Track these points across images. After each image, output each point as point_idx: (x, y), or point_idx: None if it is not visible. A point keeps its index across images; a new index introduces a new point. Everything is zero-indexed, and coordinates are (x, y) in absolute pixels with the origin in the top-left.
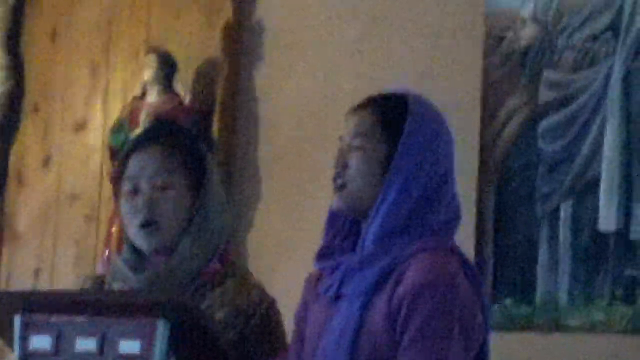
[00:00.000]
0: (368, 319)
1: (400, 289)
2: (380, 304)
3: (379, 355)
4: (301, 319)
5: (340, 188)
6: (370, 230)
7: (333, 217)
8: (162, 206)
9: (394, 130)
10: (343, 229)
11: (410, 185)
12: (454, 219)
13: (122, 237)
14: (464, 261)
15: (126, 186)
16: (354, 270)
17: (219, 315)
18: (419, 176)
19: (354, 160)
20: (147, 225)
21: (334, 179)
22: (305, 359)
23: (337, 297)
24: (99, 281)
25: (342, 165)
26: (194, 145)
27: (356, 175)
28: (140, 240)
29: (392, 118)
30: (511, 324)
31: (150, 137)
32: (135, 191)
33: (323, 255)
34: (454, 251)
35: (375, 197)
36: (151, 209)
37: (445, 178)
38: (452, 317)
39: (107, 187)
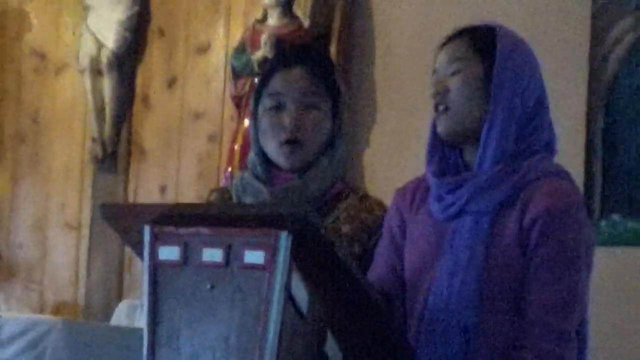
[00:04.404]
0: (498, 236)
1: (533, 210)
2: (509, 222)
3: (511, 270)
4: (396, 228)
5: (444, 111)
6: (488, 152)
7: (434, 146)
8: (306, 125)
9: (487, 54)
10: (444, 157)
11: (513, 105)
12: (554, 141)
13: (249, 152)
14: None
15: (269, 101)
16: (481, 189)
17: (345, 229)
18: (518, 96)
19: (454, 83)
20: (292, 142)
21: (436, 106)
22: (412, 271)
23: (457, 214)
24: (224, 193)
25: (443, 91)
26: (331, 69)
27: (459, 96)
28: (281, 155)
29: (484, 43)
30: (619, 239)
31: (294, 57)
32: (279, 107)
33: (438, 174)
34: (569, 175)
35: (478, 118)
36: (297, 127)
37: (542, 101)
38: (581, 241)
39: (229, 107)
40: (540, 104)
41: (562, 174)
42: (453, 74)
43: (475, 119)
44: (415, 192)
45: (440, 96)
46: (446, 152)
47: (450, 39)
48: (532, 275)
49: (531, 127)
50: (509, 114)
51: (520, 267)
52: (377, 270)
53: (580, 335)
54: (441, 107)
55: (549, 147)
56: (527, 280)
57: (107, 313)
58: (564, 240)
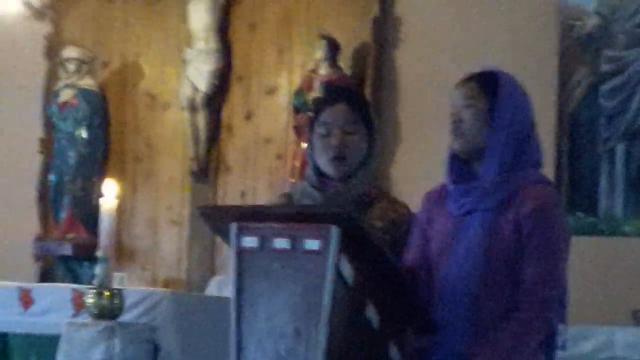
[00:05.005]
0: (499, 228)
1: (525, 209)
2: (508, 217)
3: (508, 252)
4: (424, 222)
5: (459, 136)
6: (491, 166)
7: (452, 161)
8: (348, 146)
9: (492, 93)
10: (459, 169)
11: (510, 131)
12: (541, 157)
13: (306, 168)
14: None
15: (320, 130)
16: (486, 193)
17: (378, 224)
18: (515, 124)
19: (466, 114)
20: (338, 158)
21: (453, 131)
22: (435, 253)
23: (469, 212)
24: (288, 197)
25: (458, 120)
26: (365, 104)
27: (470, 124)
28: (331, 169)
29: (489, 84)
30: (582, 230)
31: (339, 96)
32: (328, 134)
33: (454, 181)
34: (552, 183)
35: (484, 140)
36: (342, 147)
37: (532, 127)
38: (561, 232)
39: (292, 134)
40: (531, 130)
41: (547, 182)
42: (465, 107)
43: (482, 141)
44: (438, 195)
45: (456, 124)
46: (460, 165)
47: (463, 81)
48: (525, 258)
49: (524, 147)
50: (507, 138)
51: (515, 250)
52: (411, 253)
53: (562, 303)
54: (457, 132)
55: (537, 162)
56: (521, 261)
57: (203, 286)
58: (549, 231)
